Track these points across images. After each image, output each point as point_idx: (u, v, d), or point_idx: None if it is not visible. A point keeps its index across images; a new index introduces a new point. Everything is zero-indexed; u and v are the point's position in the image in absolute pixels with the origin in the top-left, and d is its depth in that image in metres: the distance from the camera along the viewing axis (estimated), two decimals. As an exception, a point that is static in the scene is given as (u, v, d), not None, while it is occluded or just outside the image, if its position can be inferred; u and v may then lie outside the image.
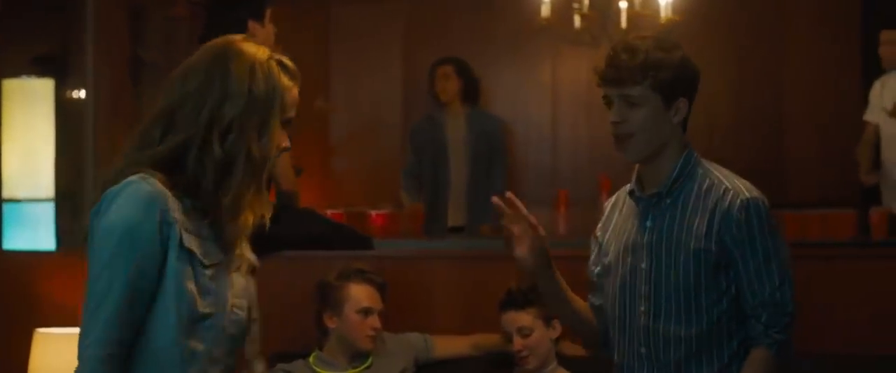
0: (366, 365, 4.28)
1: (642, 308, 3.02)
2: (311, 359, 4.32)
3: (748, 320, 2.96)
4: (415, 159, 6.85)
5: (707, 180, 3.00)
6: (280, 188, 4.73)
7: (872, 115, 6.21)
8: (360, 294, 4.25)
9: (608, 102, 3.01)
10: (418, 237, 6.19)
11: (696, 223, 2.95)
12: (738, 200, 2.92)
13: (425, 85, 6.86)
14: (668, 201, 3.01)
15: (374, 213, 5.88)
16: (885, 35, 6.05)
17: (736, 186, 2.96)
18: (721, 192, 2.96)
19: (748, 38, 7.12)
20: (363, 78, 7.34)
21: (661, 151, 3.00)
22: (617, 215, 3.17)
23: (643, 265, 3.01)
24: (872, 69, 6.53)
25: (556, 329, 4.19)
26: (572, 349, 4.33)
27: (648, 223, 3.02)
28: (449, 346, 4.46)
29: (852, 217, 5.78)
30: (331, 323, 4.29)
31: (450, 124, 6.80)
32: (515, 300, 4.20)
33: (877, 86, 6.20)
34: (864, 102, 6.57)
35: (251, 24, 4.71)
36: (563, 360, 4.26)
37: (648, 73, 2.91)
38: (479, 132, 6.79)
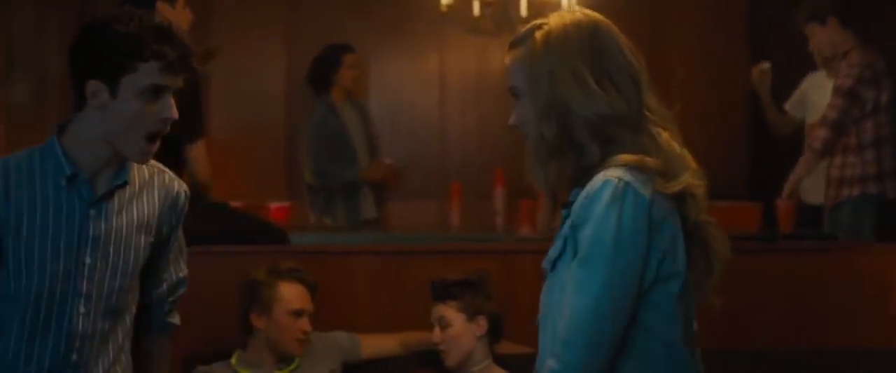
0: (293, 366, 4.12)
1: None
2: (233, 360, 4.12)
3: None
4: (322, 155, 6.61)
5: None
6: (195, 178, 4.49)
7: (798, 110, 6.12)
8: (291, 295, 4.08)
9: None
10: (323, 231, 5.99)
11: None
12: None
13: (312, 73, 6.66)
14: None
15: (273, 205, 5.64)
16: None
17: None
18: None
19: (645, 30, 7.08)
20: (244, 63, 7.06)
21: None
22: None
23: None
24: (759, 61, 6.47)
25: (481, 326, 4.05)
26: (512, 347, 4.20)
27: None
28: (377, 345, 4.32)
29: (758, 209, 5.76)
30: (258, 323, 4.09)
31: (346, 114, 6.65)
32: (439, 291, 4.09)
33: (810, 82, 6.12)
34: (750, 93, 6.54)
35: (159, 5, 4.50)
36: (503, 360, 4.12)
37: None
38: (367, 121, 6.69)
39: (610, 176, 2.24)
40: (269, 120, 7.10)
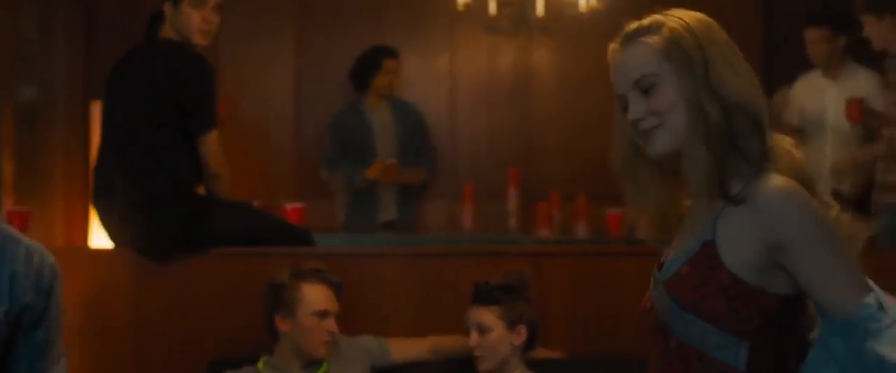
0: (321, 371, 4.01)
1: None
2: (260, 365, 4.03)
3: None
4: (336, 152, 6.55)
5: None
6: (209, 170, 4.40)
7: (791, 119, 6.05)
8: (315, 296, 3.98)
9: None
10: (335, 231, 5.90)
11: None
12: None
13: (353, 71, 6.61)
14: None
15: (289, 206, 5.54)
16: (809, 33, 5.93)
17: None
18: None
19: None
20: (253, 62, 6.96)
21: None
22: None
23: None
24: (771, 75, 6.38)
25: (521, 335, 3.95)
26: (543, 353, 4.12)
27: None
28: (405, 349, 4.22)
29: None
30: (283, 326, 3.99)
31: (374, 115, 6.56)
32: (481, 295, 3.98)
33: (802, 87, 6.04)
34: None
35: (166, 7, 4.51)
36: (533, 365, 4.03)
37: None
38: (404, 122, 6.60)
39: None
40: (278, 120, 6.99)
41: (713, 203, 2.19)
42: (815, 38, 5.86)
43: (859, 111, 5.65)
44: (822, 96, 5.87)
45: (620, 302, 4.48)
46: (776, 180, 2.15)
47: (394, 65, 6.58)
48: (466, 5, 6.04)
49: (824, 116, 5.85)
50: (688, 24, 2.21)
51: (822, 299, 2.12)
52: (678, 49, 2.19)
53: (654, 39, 2.21)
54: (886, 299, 2.12)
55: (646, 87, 2.21)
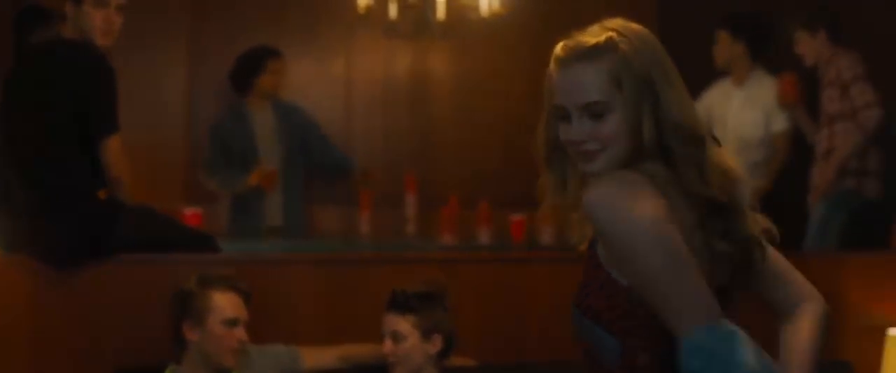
0: (230, 380, 3.91)
1: None
2: (166, 374, 3.90)
3: None
4: (219, 157, 6.38)
5: None
6: (111, 174, 4.28)
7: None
8: (224, 304, 3.89)
9: None
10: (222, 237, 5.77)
11: None
12: None
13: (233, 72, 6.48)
14: None
15: (188, 211, 5.41)
16: (717, 35, 6.00)
17: None
18: None
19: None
20: (145, 68, 6.80)
21: None
22: None
23: None
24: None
25: (436, 344, 3.89)
26: (458, 360, 4.08)
27: None
28: (317, 358, 4.15)
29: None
30: (191, 335, 3.89)
31: (257, 117, 6.41)
32: (397, 303, 3.90)
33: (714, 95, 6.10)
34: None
35: (68, 6, 4.39)
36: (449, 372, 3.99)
37: None
38: (288, 124, 6.45)
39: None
40: (170, 123, 6.84)
41: None
42: (717, 40, 5.92)
43: (795, 87, 5.74)
44: (728, 102, 5.93)
45: (530, 308, 4.47)
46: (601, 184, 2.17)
47: (278, 65, 6.43)
48: (367, 8, 5.96)
49: (727, 122, 5.90)
50: (636, 45, 2.20)
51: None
52: (630, 77, 2.19)
53: (606, 65, 2.19)
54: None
55: (594, 114, 2.21)
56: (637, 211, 2.09)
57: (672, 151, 2.18)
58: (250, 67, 6.40)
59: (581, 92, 2.21)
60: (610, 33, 2.21)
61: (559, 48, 2.25)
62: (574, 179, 2.29)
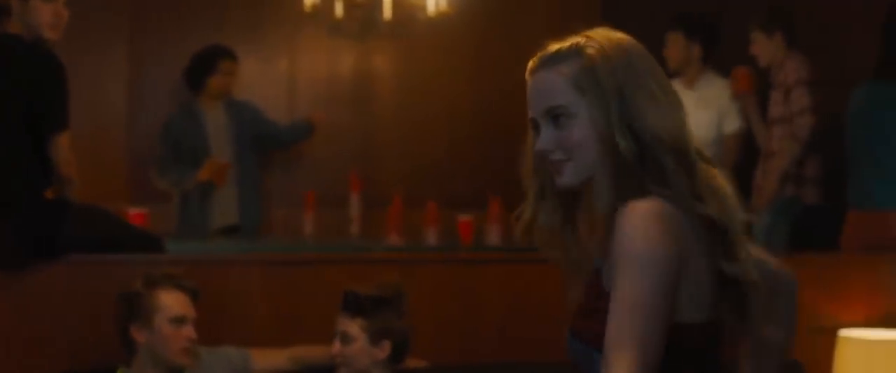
0: (181, 381, 3.86)
1: None
2: (116, 377, 3.87)
3: None
4: (169, 155, 6.33)
5: None
6: (60, 173, 4.21)
7: None
8: (171, 302, 3.85)
9: None
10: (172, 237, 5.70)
11: None
12: None
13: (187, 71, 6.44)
14: None
15: (132, 211, 5.34)
16: (668, 36, 5.99)
17: None
18: None
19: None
20: (84, 65, 6.70)
21: None
22: None
23: None
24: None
25: (384, 350, 3.83)
26: (412, 362, 4.05)
27: None
28: (267, 359, 4.11)
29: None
30: (139, 337, 3.84)
31: (209, 116, 6.37)
32: (349, 304, 3.85)
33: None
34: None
35: (14, 1, 4.30)
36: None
37: None
38: (240, 122, 6.42)
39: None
40: (111, 123, 6.76)
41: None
42: (669, 42, 5.91)
43: (749, 79, 5.75)
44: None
45: (482, 309, 4.45)
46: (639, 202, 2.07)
47: (230, 66, 6.41)
48: (313, 7, 5.91)
49: None
50: (607, 52, 2.14)
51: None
52: (592, 81, 2.12)
53: (568, 69, 2.14)
54: None
55: (557, 119, 2.15)
56: (658, 239, 2.01)
57: (663, 169, 2.11)
58: (203, 67, 6.38)
59: (543, 97, 2.16)
60: (578, 39, 2.17)
61: (532, 59, 2.21)
62: (554, 197, 2.22)
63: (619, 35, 2.19)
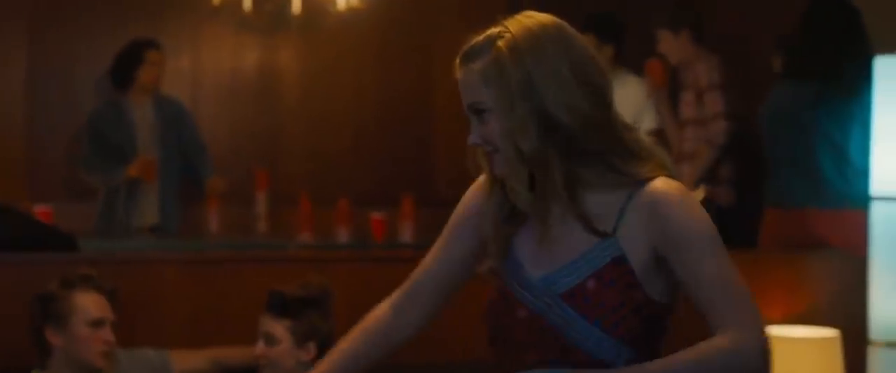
0: (99, 385, 3.77)
1: None
2: (30, 382, 3.75)
3: None
4: (95, 151, 6.22)
5: None
6: None
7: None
8: (88, 304, 3.74)
9: None
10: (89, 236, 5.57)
11: None
12: None
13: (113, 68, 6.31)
14: None
15: (38, 208, 5.20)
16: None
17: None
18: None
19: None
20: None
21: None
22: None
23: None
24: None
25: (310, 352, 3.76)
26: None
27: None
28: (187, 361, 4.03)
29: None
30: (55, 340, 3.74)
31: (137, 111, 6.28)
32: (273, 305, 3.76)
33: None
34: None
35: None
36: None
37: None
38: (168, 119, 6.34)
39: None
40: (7, 119, 6.60)
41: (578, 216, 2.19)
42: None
43: (663, 71, 5.77)
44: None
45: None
46: (666, 184, 2.18)
47: (157, 56, 6.31)
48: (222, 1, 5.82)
49: None
50: (516, 42, 2.15)
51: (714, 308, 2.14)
52: (497, 74, 2.15)
53: (480, 64, 2.17)
54: None
55: (479, 114, 2.19)
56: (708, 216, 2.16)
57: (596, 154, 2.18)
58: (130, 61, 6.28)
59: (465, 93, 2.20)
60: (494, 30, 2.19)
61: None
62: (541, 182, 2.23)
63: (538, 19, 2.20)
